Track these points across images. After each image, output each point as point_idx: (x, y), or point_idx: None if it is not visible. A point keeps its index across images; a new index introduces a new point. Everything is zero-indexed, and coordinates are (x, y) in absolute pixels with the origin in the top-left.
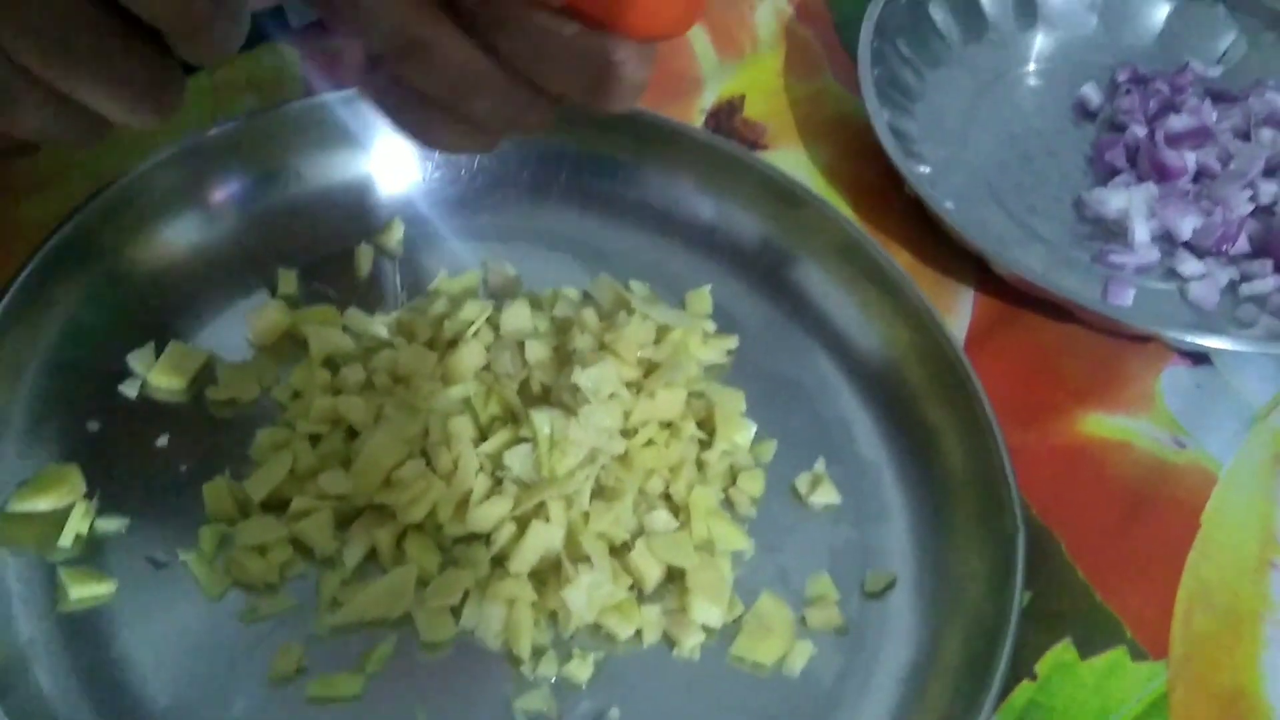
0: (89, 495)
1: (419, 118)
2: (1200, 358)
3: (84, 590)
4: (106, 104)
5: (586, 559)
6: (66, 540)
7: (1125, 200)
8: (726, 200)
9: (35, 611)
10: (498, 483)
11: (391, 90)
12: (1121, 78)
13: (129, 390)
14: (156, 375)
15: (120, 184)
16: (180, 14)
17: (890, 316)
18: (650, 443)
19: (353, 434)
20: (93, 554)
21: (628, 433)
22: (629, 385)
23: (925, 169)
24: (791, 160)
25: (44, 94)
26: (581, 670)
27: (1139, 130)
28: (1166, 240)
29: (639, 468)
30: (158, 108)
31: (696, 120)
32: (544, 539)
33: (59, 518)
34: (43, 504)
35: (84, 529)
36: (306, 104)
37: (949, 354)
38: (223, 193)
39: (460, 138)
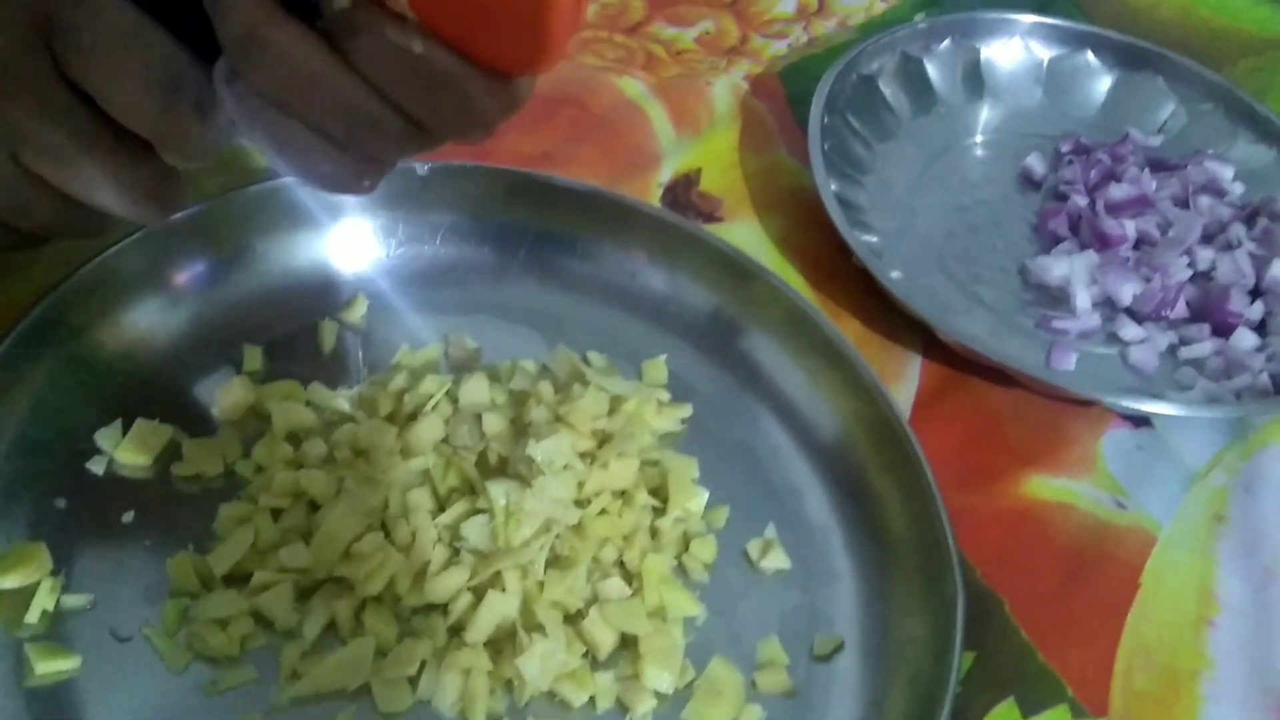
0: (55, 572)
1: (277, 130)
2: (1141, 420)
3: (49, 665)
4: (114, 205)
5: (541, 628)
6: (33, 617)
7: (1067, 268)
8: (680, 273)
9: (1, 687)
10: (455, 553)
11: (248, 98)
12: (1065, 148)
13: (96, 467)
14: (123, 452)
15: (88, 267)
16: (161, 128)
17: (837, 386)
18: (604, 512)
19: (314, 507)
20: (58, 629)
21: (582, 503)
22: (583, 456)
23: (874, 239)
24: (746, 231)
25: (57, 197)
26: None
27: (1080, 200)
28: (1108, 306)
29: (593, 537)
30: (160, 206)
31: (654, 193)
32: (500, 609)
33: (26, 594)
34: (10, 581)
35: (50, 605)
36: (267, 187)
37: (893, 423)
38: (187, 274)
39: (320, 159)
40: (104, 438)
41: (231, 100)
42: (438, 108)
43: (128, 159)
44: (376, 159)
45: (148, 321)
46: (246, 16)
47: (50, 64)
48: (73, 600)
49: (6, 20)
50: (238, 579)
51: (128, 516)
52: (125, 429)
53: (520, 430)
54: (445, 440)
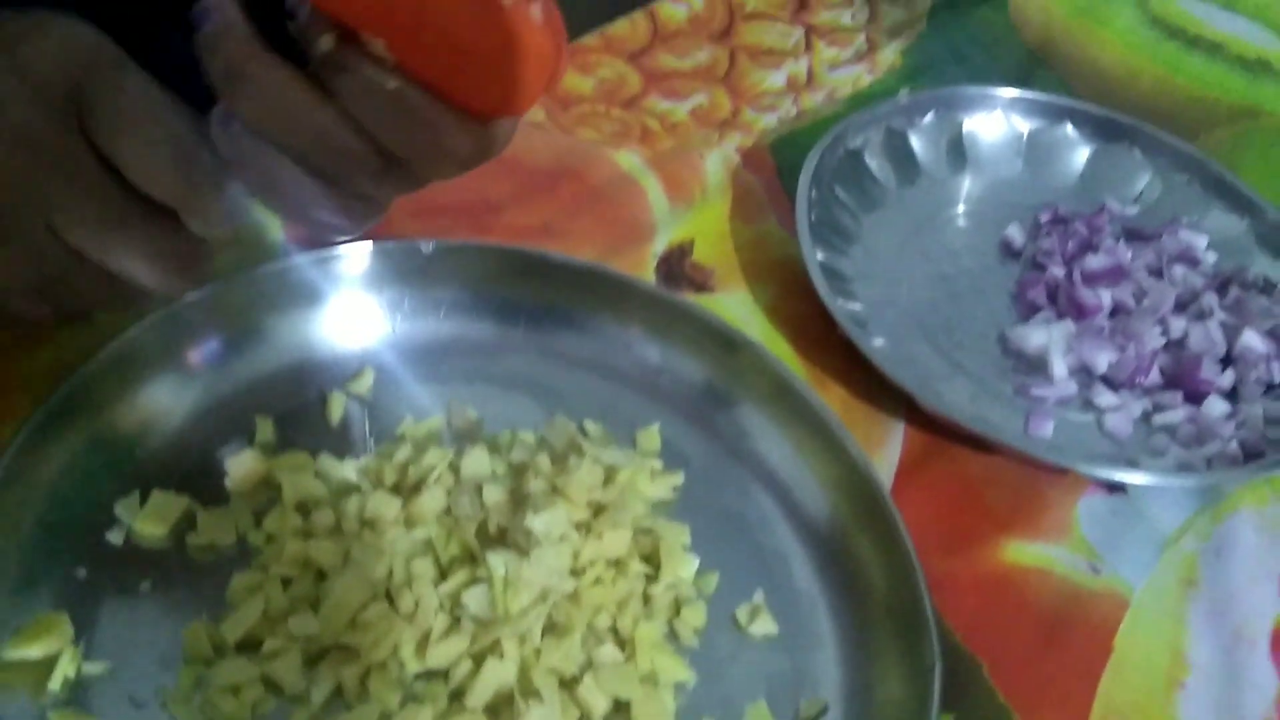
0: (76, 641)
1: (266, 170)
2: (1115, 487)
3: None
4: (144, 275)
5: (537, 693)
6: (55, 684)
7: (1045, 337)
8: (672, 346)
9: None
10: (456, 621)
11: (239, 139)
12: (1043, 218)
13: (115, 538)
14: (141, 523)
15: (108, 347)
16: (183, 196)
17: (821, 455)
18: (598, 581)
19: (322, 576)
20: (79, 696)
21: (577, 572)
22: (578, 526)
23: (859, 307)
24: (736, 301)
25: (91, 269)
26: None
27: (1058, 270)
28: (1084, 373)
29: (587, 605)
30: (188, 278)
31: (649, 264)
32: (498, 675)
33: (49, 663)
34: (34, 651)
35: (71, 673)
36: (278, 267)
37: (874, 491)
38: (202, 351)
39: (309, 197)
40: (123, 509)
41: (224, 142)
42: (412, 144)
43: (157, 231)
44: (363, 196)
45: (164, 397)
46: (232, 52)
47: (80, 137)
48: (93, 668)
49: (38, 93)
50: (249, 646)
51: (145, 585)
52: (143, 500)
53: (519, 501)
54: (447, 511)
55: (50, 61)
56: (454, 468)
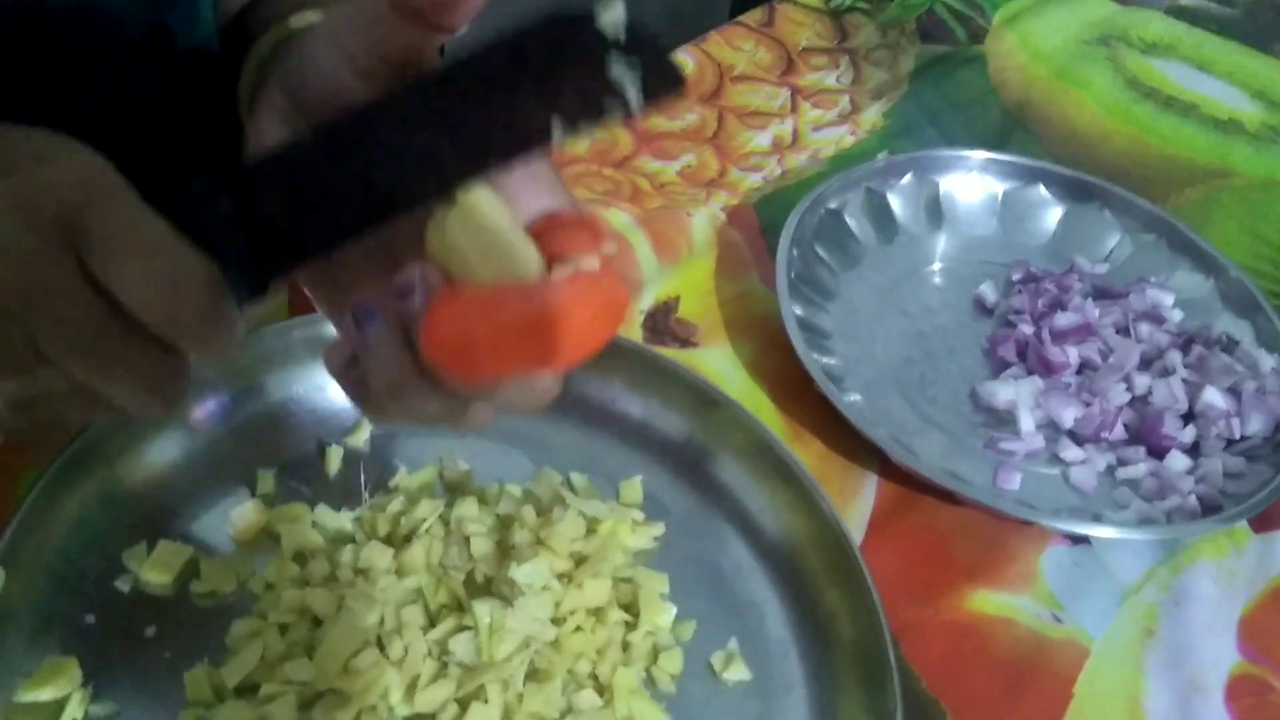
0: (85, 683)
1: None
2: (1079, 538)
3: None
4: (127, 400)
5: None
6: None
7: (1014, 392)
8: (655, 401)
9: None
10: (443, 666)
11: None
12: (1015, 276)
13: (123, 586)
14: (147, 571)
15: None
16: (173, 324)
17: (794, 508)
18: (579, 629)
19: (317, 622)
20: None
21: (559, 620)
22: (561, 576)
23: (835, 361)
24: (719, 356)
25: (77, 390)
26: None
27: (1027, 328)
28: (1051, 428)
29: (568, 652)
30: (168, 402)
31: (635, 320)
32: (483, 719)
33: (58, 707)
34: (45, 694)
35: (79, 715)
36: (277, 327)
37: (843, 544)
38: (206, 408)
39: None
40: (130, 558)
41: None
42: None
43: (140, 355)
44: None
45: (170, 452)
46: (392, 372)
47: (73, 259)
48: (100, 710)
49: (31, 214)
50: (248, 690)
51: (150, 631)
52: (150, 549)
53: (505, 552)
54: (438, 561)
55: (47, 183)
56: (444, 520)
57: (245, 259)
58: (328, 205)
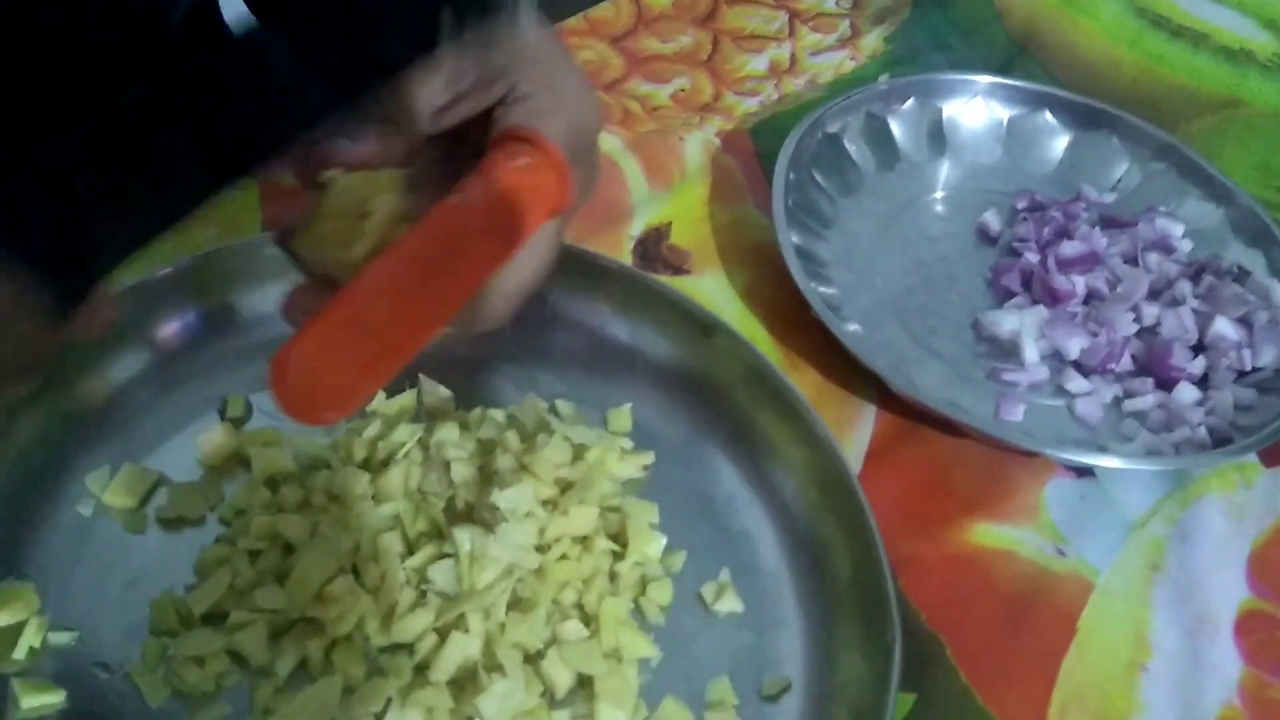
0: (43, 610)
1: None
2: (1084, 471)
3: (35, 700)
4: None
5: (501, 668)
6: (20, 653)
7: (1018, 322)
8: (646, 327)
9: None
10: (422, 595)
11: None
12: (1020, 205)
13: (84, 510)
14: (110, 495)
15: None
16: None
17: (790, 438)
18: (564, 557)
19: (290, 550)
20: (44, 665)
21: (543, 548)
22: (545, 503)
23: (834, 291)
24: (713, 283)
25: None
26: None
27: (1033, 257)
28: (1056, 359)
29: (553, 580)
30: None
31: (626, 246)
32: (463, 649)
33: (14, 632)
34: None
35: (36, 642)
36: (248, 242)
37: (841, 475)
38: (173, 326)
39: None
40: (93, 482)
41: None
42: None
43: None
44: None
45: (134, 372)
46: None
47: None
48: (59, 637)
49: None
50: (216, 618)
51: (112, 556)
52: (113, 473)
53: (487, 478)
54: (416, 487)
55: None
56: (423, 444)
57: (55, 260)
58: (162, 180)
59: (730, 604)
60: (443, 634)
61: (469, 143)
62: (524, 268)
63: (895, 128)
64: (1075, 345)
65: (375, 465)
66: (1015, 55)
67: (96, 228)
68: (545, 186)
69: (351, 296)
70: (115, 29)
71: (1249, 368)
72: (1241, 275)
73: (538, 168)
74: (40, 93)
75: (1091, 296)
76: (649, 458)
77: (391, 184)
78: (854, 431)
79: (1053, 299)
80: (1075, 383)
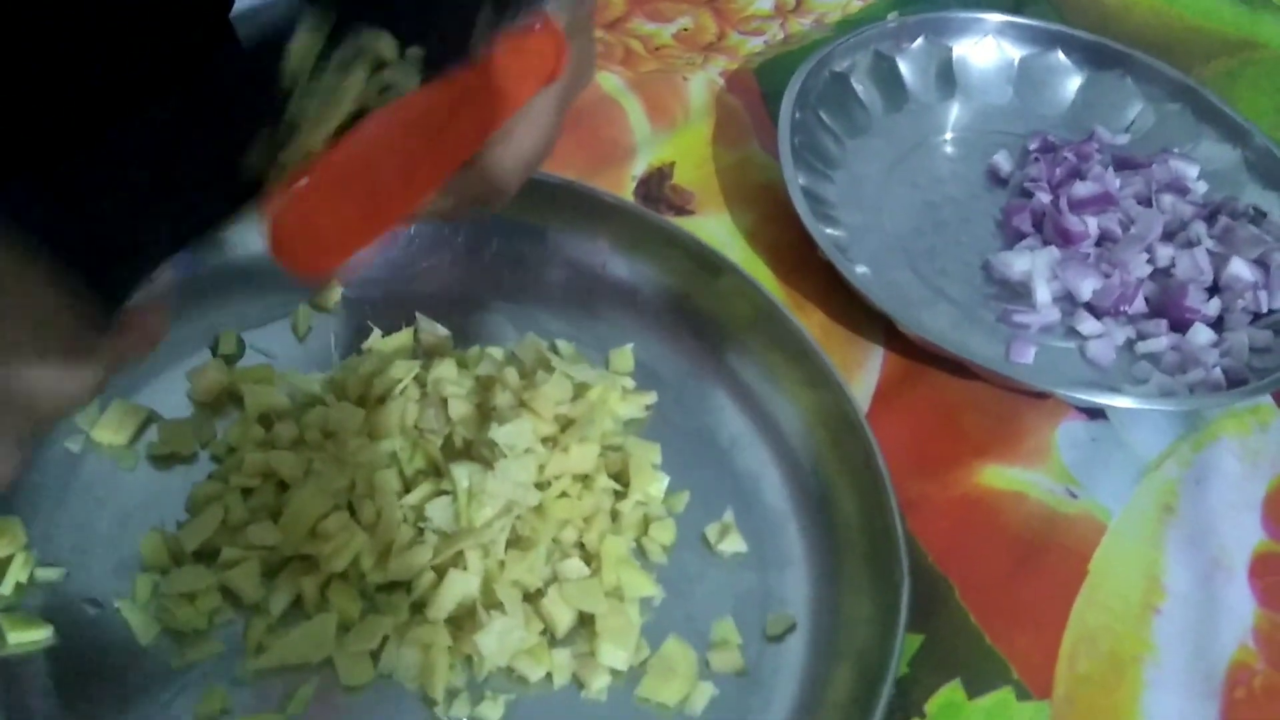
0: (30, 546)
1: None
2: (1095, 413)
3: (22, 635)
4: None
5: (500, 606)
6: (7, 588)
7: (1029, 263)
8: (648, 265)
9: None
10: (419, 533)
11: None
12: (1032, 146)
13: (73, 445)
14: (99, 431)
15: None
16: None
17: (797, 378)
18: (564, 495)
19: (283, 487)
20: (32, 601)
21: (542, 485)
22: (545, 440)
23: (841, 233)
24: (716, 224)
25: None
26: (493, 711)
27: (1045, 197)
28: (1068, 301)
29: (553, 518)
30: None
31: (628, 186)
32: (461, 587)
33: (1, 567)
34: None
35: (24, 577)
36: None
37: (849, 415)
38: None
39: None
40: (81, 416)
41: None
42: None
43: None
44: None
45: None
46: None
47: None
48: (46, 574)
49: None
50: (207, 555)
51: (102, 493)
52: (102, 409)
53: (485, 415)
54: (413, 424)
55: None
56: (420, 381)
57: (89, 273)
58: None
59: (734, 544)
60: (440, 571)
61: None
62: (524, 140)
63: (904, 67)
64: (1088, 286)
65: (371, 402)
66: None
67: (133, 233)
68: (540, 51)
69: (345, 150)
70: (162, 30)
71: (1264, 309)
72: (1257, 216)
73: (533, 32)
74: (74, 99)
75: (1104, 238)
76: (651, 397)
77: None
78: (861, 373)
79: (1065, 240)
80: (1087, 325)
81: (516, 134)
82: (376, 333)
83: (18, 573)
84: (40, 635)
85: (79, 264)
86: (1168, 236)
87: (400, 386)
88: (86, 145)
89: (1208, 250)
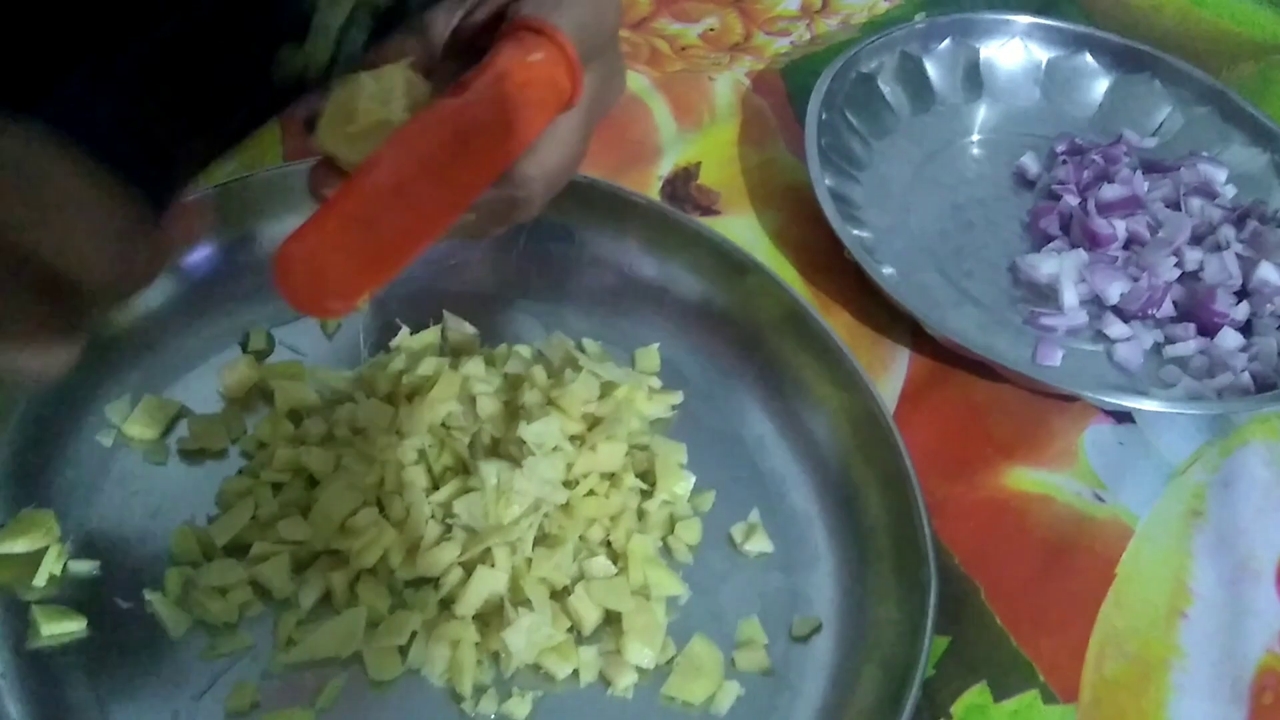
0: (63, 539)
1: None
2: (1123, 416)
3: (55, 627)
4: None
5: (528, 603)
6: (40, 580)
7: (1056, 266)
8: (675, 265)
9: (8, 646)
10: (447, 529)
11: None
12: (1059, 148)
13: (105, 440)
14: (131, 425)
15: None
16: (116, 281)
17: (824, 378)
18: (591, 493)
19: (313, 483)
20: (65, 594)
21: (570, 483)
22: (573, 439)
23: (867, 234)
24: (742, 225)
25: None
26: (520, 708)
27: (1072, 199)
28: (1095, 304)
29: (580, 516)
30: (53, 368)
31: (654, 186)
32: (489, 583)
33: (34, 559)
34: (19, 546)
35: (57, 570)
36: (274, 172)
37: (876, 416)
38: (197, 256)
39: None
40: (113, 411)
41: None
42: None
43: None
44: None
45: (157, 302)
46: None
47: None
48: (80, 566)
49: None
50: (238, 549)
51: (134, 487)
52: (134, 403)
53: (513, 413)
54: (441, 422)
55: None
56: (449, 379)
57: (135, 171)
58: (234, 93)
59: (760, 544)
60: (468, 568)
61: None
62: (548, 158)
63: (931, 69)
64: (1115, 290)
65: (400, 399)
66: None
67: (175, 135)
68: (553, 80)
69: (355, 189)
70: None
71: None
72: None
73: (546, 61)
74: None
75: (1132, 241)
76: (677, 397)
77: (405, 81)
78: (887, 375)
79: (1092, 243)
80: (1115, 328)
81: (541, 151)
82: (405, 330)
83: (51, 565)
84: (74, 627)
85: (130, 160)
86: (1196, 240)
87: (430, 384)
88: (124, 44)
89: (1236, 254)
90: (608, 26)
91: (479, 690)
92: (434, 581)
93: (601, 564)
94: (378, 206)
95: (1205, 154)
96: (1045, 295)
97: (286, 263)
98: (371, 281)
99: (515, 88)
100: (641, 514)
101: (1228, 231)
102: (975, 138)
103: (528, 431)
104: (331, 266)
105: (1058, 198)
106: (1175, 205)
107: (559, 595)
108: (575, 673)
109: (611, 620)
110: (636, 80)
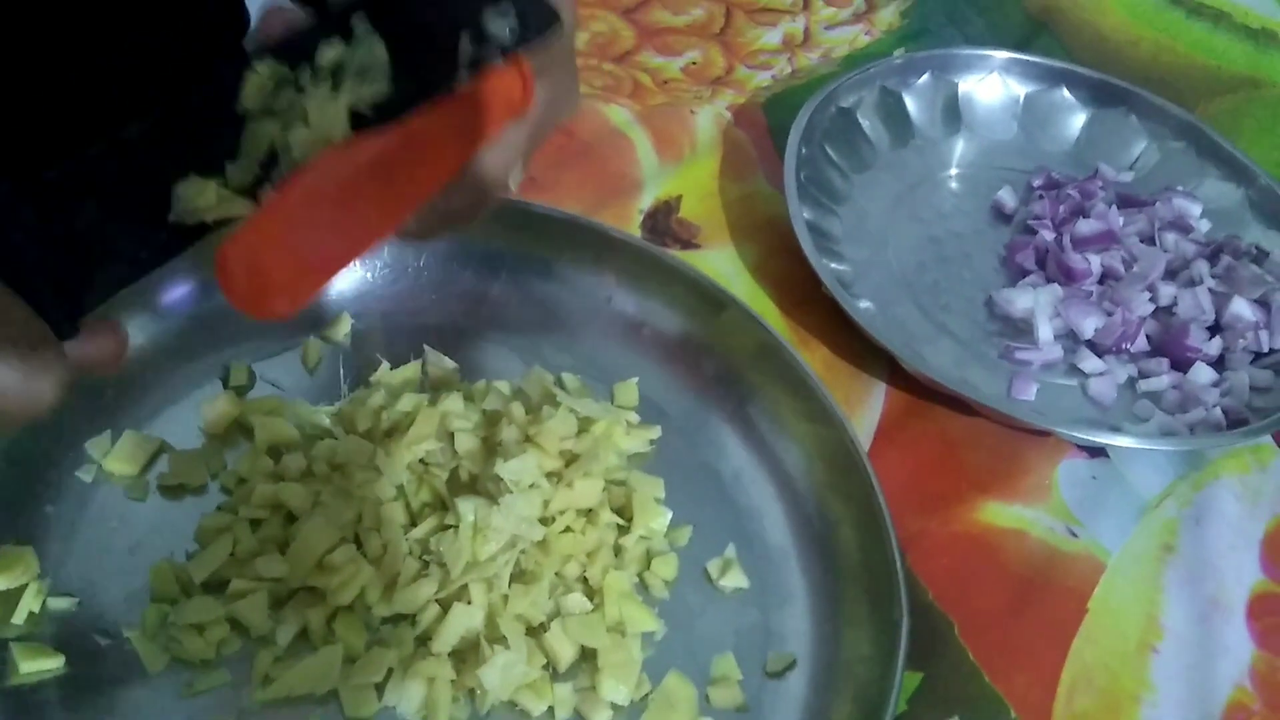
0: (42, 575)
1: None
2: (1096, 451)
3: (33, 665)
4: None
5: (504, 639)
6: (19, 618)
7: (1031, 300)
8: (654, 300)
9: None
10: (425, 566)
11: None
12: (1036, 183)
13: (85, 476)
14: (111, 462)
15: None
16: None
17: (800, 414)
18: (568, 529)
19: (291, 519)
20: (43, 630)
21: (547, 520)
22: (550, 475)
23: (845, 267)
24: (722, 258)
25: None
26: None
27: (1048, 234)
28: (1070, 338)
29: (557, 553)
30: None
31: (635, 219)
32: (465, 620)
33: (13, 596)
34: None
35: (36, 607)
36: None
37: (851, 451)
38: (177, 292)
39: None
40: (94, 447)
41: None
42: None
43: None
44: None
45: (136, 338)
46: None
47: None
48: (58, 603)
49: None
50: (216, 586)
51: (113, 523)
52: (115, 439)
53: (491, 449)
54: (419, 458)
55: None
56: (428, 416)
57: (54, 284)
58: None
59: (736, 580)
60: (445, 605)
61: None
62: (495, 164)
63: (910, 103)
64: (1090, 324)
65: (379, 435)
66: (1032, 31)
67: (92, 258)
68: (505, 88)
69: (296, 188)
70: (129, 53)
71: (1265, 349)
72: (1260, 256)
73: (499, 69)
74: (44, 118)
75: (1107, 275)
76: (655, 432)
77: None
78: (863, 409)
79: (1068, 277)
80: (1089, 362)
81: (488, 158)
82: (385, 365)
83: (30, 602)
84: (52, 664)
85: (48, 271)
86: (1170, 275)
87: (408, 421)
88: (69, 153)
89: (1210, 289)
90: (565, 39)
91: None
92: (411, 618)
93: (577, 600)
94: (320, 207)
95: (1180, 188)
96: (1020, 329)
97: (225, 261)
98: (314, 281)
99: (466, 94)
100: (618, 549)
101: (1201, 266)
102: (953, 171)
103: (505, 469)
104: (273, 265)
105: (1034, 232)
106: (1150, 240)
107: (535, 632)
108: (550, 710)
109: (587, 656)
110: (618, 113)
